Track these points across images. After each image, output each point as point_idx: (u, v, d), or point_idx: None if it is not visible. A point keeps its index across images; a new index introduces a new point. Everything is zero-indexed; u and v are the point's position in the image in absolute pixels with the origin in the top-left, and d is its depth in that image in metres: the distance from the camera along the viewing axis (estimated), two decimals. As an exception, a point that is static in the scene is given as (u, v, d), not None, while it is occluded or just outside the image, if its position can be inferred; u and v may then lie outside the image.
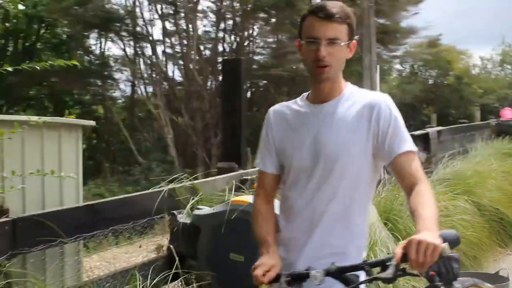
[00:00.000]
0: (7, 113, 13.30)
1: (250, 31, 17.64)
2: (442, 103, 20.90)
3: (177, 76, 16.73)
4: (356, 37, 2.07)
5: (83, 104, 16.86)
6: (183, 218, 3.67)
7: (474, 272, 4.04)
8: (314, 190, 2.07)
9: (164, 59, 16.20)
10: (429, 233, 1.68)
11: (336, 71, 2.02)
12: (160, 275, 3.40)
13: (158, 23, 16.24)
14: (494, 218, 5.76)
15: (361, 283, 1.83)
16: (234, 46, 16.78)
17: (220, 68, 14.35)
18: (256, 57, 18.38)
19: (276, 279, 1.88)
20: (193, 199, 3.85)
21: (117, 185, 13.54)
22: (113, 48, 20.14)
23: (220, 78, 13.63)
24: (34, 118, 4.02)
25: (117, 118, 15.31)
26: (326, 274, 1.79)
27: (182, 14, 15.75)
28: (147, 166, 14.55)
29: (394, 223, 4.39)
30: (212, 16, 16.61)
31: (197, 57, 15.69)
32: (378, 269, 1.75)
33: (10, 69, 3.67)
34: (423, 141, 7.79)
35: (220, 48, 16.80)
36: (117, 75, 16.71)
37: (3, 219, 3.09)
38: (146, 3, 15.19)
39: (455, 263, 1.96)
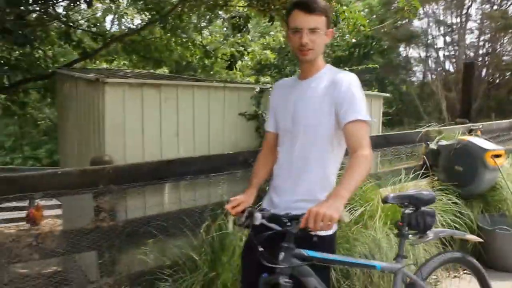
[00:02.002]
0: None
1: (501, 41, 21.94)
2: None
3: (451, 69, 21.49)
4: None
5: (395, 85, 21.57)
6: (432, 145, 4.71)
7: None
8: (292, 147, 2.05)
9: (443, 59, 20.96)
10: (333, 202, 1.62)
11: (316, 53, 1.99)
12: (418, 173, 4.40)
13: (441, 38, 21.12)
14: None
15: (277, 231, 1.83)
16: (490, 50, 20.77)
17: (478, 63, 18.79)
18: (505, 58, 22.66)
19: (243, 212, 1.96)
20: (438, 136, 4.90)
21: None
22: (413, 53, 25.57)
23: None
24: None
25: (413, 93, 19.79)
26: (262, 217, 1.88)
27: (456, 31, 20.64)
28: (428, 120, 16.76)
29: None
30: (476, 32, 21.22)
31: (464, 57, 19.53)
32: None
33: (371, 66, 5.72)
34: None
35: (481, 52, 21.09)
36: (414, 68, 22.09)
37: None
38: (434, 26, 19.92)
39: (429, 217, 2.24)
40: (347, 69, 5.36)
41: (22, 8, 3.87)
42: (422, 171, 4.62)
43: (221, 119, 4.13)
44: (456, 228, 4.09)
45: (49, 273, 5.13)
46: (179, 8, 6.17)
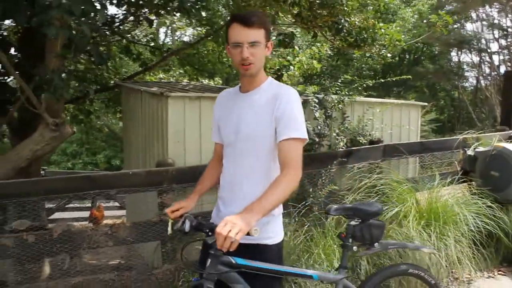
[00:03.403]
0: (400, 96, 17.52)
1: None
2: None
3: (506, 73, 20.60)
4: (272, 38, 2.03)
5: (446, 91, 21.24)
6: (469, 151, 4.95)
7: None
8: (235, 159, 2.05)
9: (498, 64, 20.17)
10: (246, 216, 1.67)
11: (257, 67, 1.97)
12: (453, 178, 4.62)
13: (495, 41, 20.16)
14: None
15: (192, 241, 2.09)
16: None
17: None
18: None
19: (181, 217, 2.02)
20: (475, 143, 5.08)
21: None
22: (466, 58, 24.15)
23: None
24: (393, 101, 5.62)
25: (465, 99, 19.56)
26: (190, 225, 1.96)
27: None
28: (481, 127, 16.58)
29: None
30: (532, 35, 20.43)
31: (519, 61, 19.10)
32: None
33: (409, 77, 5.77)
34: None
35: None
36: (467, 74, 21.41)
37: (380, 144, 4.72)
38: (487, 29, 19.06)
39: (375, 229, 2.23)
40: (392, 79, 5.67)
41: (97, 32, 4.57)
42: (460, 176, 4.87)
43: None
44: (491, 231, 4.36)
45: (114, 265, 5.82)
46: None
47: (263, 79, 2.05)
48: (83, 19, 3.44)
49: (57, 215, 9.11)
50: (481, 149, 4.96)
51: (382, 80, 5.42)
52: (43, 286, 3.63)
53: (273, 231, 2.05)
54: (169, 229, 2.15)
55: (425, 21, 18.55)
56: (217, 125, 2.19)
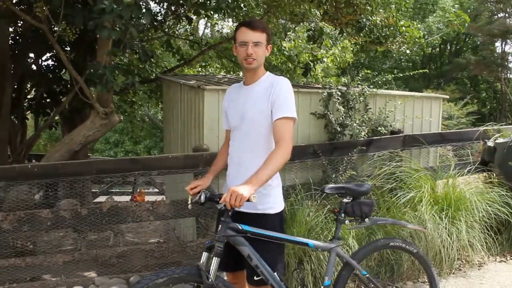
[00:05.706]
0: (440, 87, 17.53)
1: None
2: None
3: None
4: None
5: (489, 83, 20.67)
6: (489, 143, 5.17)
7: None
8: (240, 140, 2.43)
9: None
10: (246, 186, 2.01)
11: (258, 63, 2.36)
12: (474, 168, 4.86)
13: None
14: None
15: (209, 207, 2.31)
16: None
17: None
18: None
19: (198, 193, 2.30)
20: (496, 134, 5.34)
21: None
22: (511, 49, 23.20)
23: None
24: (414, 94, 5.80)
25: (508, 91, 19.03)
26: (205, 197, 2.23)
27: None
28: None
29: None
30: None
31: None
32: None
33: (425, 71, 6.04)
34: None
35: None
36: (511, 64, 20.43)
37: (400, 134, 5.03)
38: None
39: (365, 206, 2.52)
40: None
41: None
42: (479, 166, 5.14)
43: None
44: (506, 218, 4.63)
45: (153, 242, 6.43)
46: (265, 18, 7.18)
47: (262, 73, 2.45)
48: (132, 22, 4.01)
49: (100, 199, 9.84)
50: (500, 140, 5.19)
51: (401, 75, 5.72)
52: (93, 253, 4.21)
53: (274, 202, 2.42)
54: (189, 203, 2.39)
55: (469, 10, 18.38)
56: (226, 113, 2.59)
